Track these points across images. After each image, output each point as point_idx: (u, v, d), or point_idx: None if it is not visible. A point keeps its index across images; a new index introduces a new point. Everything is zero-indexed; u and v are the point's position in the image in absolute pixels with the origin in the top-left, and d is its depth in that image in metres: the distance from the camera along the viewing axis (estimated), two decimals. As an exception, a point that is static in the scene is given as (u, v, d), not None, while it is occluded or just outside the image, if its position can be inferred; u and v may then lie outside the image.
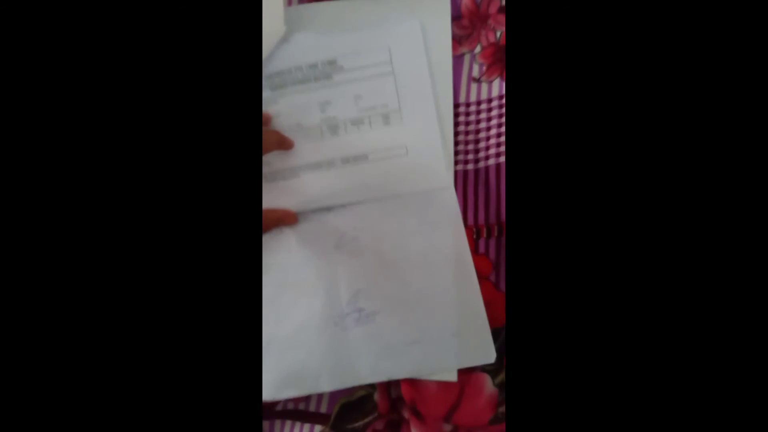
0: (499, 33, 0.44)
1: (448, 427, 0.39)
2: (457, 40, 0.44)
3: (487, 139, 0.42)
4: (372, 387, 0.40)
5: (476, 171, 0.42)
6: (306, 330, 0.40)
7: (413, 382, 0.39)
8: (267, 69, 0.45)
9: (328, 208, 0.43)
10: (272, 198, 0.43)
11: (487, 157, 0.42)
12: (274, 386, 0.40)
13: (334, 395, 0.41)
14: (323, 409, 0.41)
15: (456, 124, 0.43)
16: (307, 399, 0.41)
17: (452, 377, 0.39)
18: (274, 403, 0.40)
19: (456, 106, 0.43)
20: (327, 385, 0.40)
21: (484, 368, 0.39)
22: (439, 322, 0.39)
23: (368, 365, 0.39)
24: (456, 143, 0.42)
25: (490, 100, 0.43)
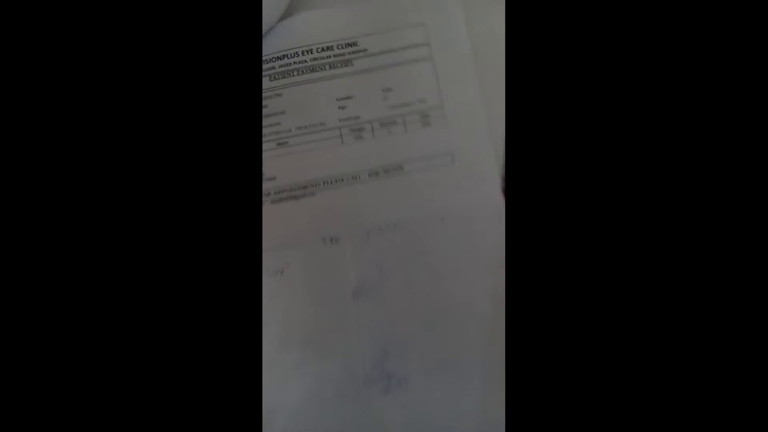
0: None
1: None
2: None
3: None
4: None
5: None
6: (319, 401, 0.31)
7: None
8: (265, 52, 0.35)
9: (338, 238, 0.33)
10: (279, 222, 0.33)
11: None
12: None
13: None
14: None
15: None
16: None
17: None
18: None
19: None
20: None
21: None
22: (492, 389, 0.31)
23: (403, 447, 0.30)
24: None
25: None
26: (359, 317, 0.32)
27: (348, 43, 0.34)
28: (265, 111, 0.34)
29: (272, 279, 0.33)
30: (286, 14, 0.36)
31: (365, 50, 0.34)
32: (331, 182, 0.33)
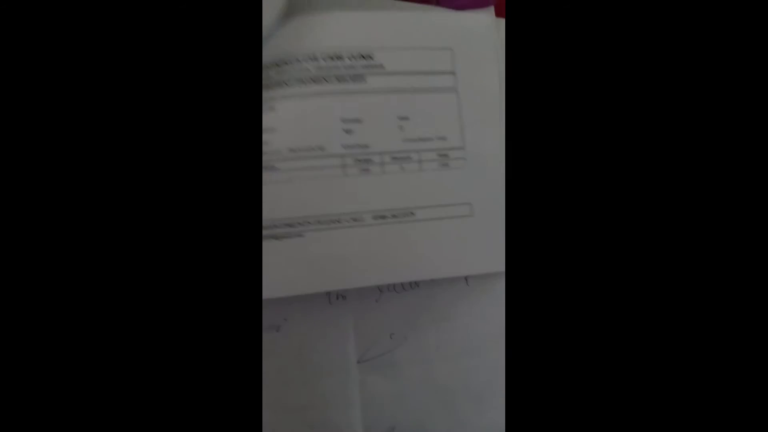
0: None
1: None
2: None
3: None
4: None
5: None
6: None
7: None
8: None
9: (345, 295, 0.28)
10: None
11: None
12: None
13: None
14: None
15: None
16: None
17: None
18: None
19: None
20: None
21: None
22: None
23: None
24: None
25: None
26: (364, 387, 0.28)
27: (362, 55, 0.29)
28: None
29: (266, 335, 0.28)
30: (287, 13, 0.29)
31: (381, 66, 0.29)
32: (326, 222, 0.27)
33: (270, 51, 0.28)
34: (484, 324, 0.28)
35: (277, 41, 0.28)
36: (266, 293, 0.26)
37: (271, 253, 0.27)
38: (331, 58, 0.28)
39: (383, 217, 0.27)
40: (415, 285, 0.28)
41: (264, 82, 0.28)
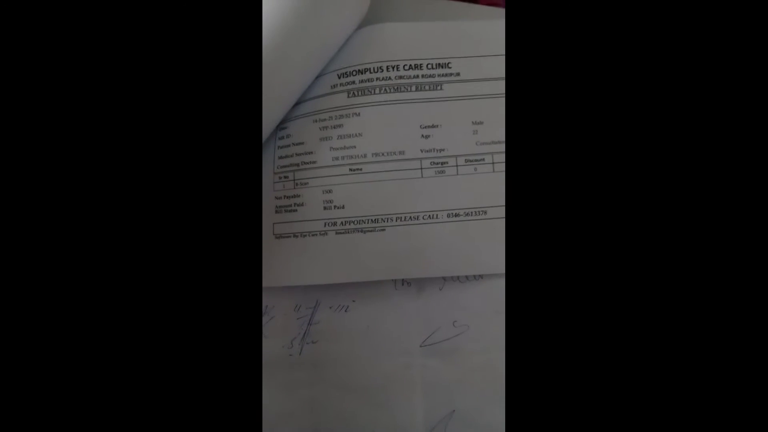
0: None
1: None
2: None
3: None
4: None
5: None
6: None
7: None
8: (342, 62, 0.31)
9: (410, 282, 0.31)
10: (343, 255, 0.31)
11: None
12: None
13: None
14: None
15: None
16: None
17: None
18: None
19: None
20: None
21: None
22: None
23: None
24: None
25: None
26: (425, 371, 0.30)
27: (439, 63, 0.31)
28: (339, 131, 0.31)
29: (335, 315, 0.31)
30: (367, 21, 0.31)
31: (457, 74, 0.31)
32: (405, 218, 0.30)
33: (352, 57, 0.31)
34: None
35: (359, 48, 0.31)
36: (345, 278, 0.30)
37: (357, 244, 0.30)
38: (412, 68, 0.31)
39: (456, 215, 0.30)
40: (479, 276, 0.30)
41: (349, 88, 0.31)
